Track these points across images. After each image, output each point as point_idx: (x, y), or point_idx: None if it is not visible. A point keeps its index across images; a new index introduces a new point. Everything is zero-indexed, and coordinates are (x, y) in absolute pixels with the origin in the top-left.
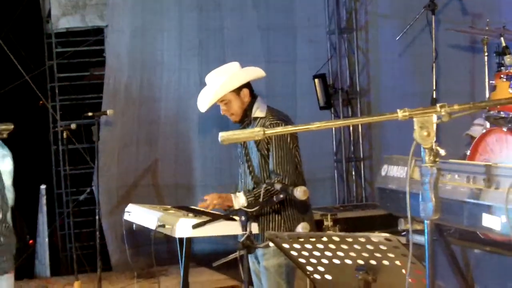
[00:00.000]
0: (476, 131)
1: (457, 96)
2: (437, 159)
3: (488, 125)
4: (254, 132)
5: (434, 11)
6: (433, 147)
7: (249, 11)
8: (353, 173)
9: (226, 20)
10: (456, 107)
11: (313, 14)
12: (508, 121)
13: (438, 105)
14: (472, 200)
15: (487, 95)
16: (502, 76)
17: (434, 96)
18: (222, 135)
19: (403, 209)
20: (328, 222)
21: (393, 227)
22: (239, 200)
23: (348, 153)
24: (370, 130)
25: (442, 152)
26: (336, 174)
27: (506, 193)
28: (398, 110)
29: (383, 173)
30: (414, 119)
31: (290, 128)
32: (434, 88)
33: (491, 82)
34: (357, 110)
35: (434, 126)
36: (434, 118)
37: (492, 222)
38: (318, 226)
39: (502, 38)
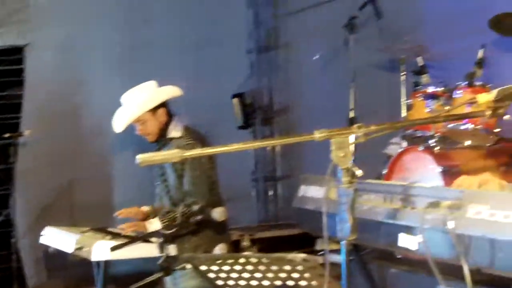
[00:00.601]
0: (393, 149)
1: (374, 115)
2: (354, 180)
3: (404, 143)
4: (172, 154)
5: (353, 30)
6: (350, 167)
7: (173, 28)
8: (271, 192)
9: (150, 37)
10: (373, 127)
11: (234, 32)
12: (424, 140)
13: (355, 125)
14: (388, 220)
15: (404, 114)
16: (418, 95)
17: (352, 116)
18: (140, 158)
19: (321, 229)
20: (245, 243)
21: (311, 247)
22: (154, 226)
23: (267, 172)
24: (289, 149)
25: (359, 172)
26: (254, 193)
27: (423, 213)
28: (315, 131)
29: (300, 194)
30: (331, 140)
31: (208, 150)
32: (352, 107)
33: (408, 101)
34: (276, 129)
35: (351, 146)
36: (352, 138)
37: (409, 242)
38: (235, 246)
39: (419, 58)
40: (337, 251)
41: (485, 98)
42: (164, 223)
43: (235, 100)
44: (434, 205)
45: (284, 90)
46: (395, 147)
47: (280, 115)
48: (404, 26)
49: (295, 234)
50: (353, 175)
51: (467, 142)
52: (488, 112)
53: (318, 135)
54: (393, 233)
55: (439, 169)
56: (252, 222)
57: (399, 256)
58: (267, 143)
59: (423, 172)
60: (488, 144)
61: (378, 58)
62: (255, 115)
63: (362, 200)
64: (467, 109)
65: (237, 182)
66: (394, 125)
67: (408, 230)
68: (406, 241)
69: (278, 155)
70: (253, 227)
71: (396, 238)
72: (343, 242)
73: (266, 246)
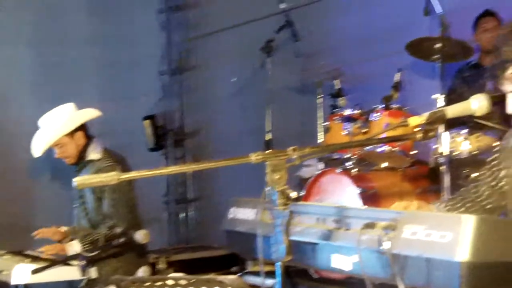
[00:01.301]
0: (306, 172)
1: (291, 137)
2: (288, 202)
3: (321, 165)
4: (108, 177)
5: (270, 53)
6: (285, 189)
7: (88, 49)
8: (183, 214)
9: (66, 57)
10: (307, 150)
11: (147, 54)
12: (341, 162)
13: (290, 148)
14: (322, 241)
15: (321, 137)
16: (336, 118)
17: (269, 138)
18: (77, 180)
19: (252, 251)
20: (162, 265)
21: (226, 269)
22: (74, 248)
23: (178, 194)
24: (200, 171)
25: (294, 194)
26: (166, 216)
27: (359, 234)
28: (251, 154)
29: (230, 216)
30: (267, 163)
31: (143, 173)
32: (269, 129)
33: (325, 123)
34: (188, 151)
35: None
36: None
37: (343, 263)
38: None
39: (336, 80)
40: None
41: (416, 120)
42: (84, 245)
43: (147, 122)
44: (370, 226)
45: (196, 112)
46: (309, 170)
47: (192, 137)
48: (321, 49)
49: (211, 256)
50: (287, 197)
51: (384, 164)
52: (419, 135)
53: (254, 157)
54: (327, 254)
55: (357, 190)
56: (164, 245)
57: (315, 276)
58: (197, 166)
59: (341, 193)
60: (405, 166)
61: (295, 81)
62: (167, 137)
63: (295, 222)
64: (386, 132)
65: (149, 204)
66: (328, 147)
67: (343, 250)
68: (340, 262)
69: (189, 177)
70: (167, 250)
71: (330, 259)
72: (278, 264)
73: (183, 268)
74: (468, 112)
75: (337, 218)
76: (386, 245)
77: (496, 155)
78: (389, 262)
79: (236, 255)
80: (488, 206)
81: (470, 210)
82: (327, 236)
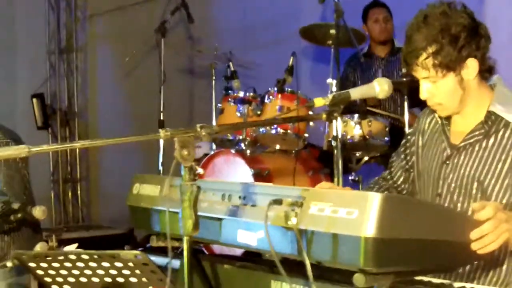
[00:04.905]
0: (197, 152)
1: (185, 118)
2: (196, 177)
3: (211, 146)
4: (19, 149)
5: (164, 34)
6: (193, 165)
7: None
8: (70, 194)
9: None
10: (215, 128)
11: (34, 32)
12: (235, 144)
13: (198, 125)
14: (228, 217)
15: (214, 118)
16: (229, 99)
17: (162, 118)
18: None
19: (156, 227)
20: (52, 243)
21: (118, 248)
22: None
23: (65, 174)
24: (86, 151)
25: (201, 170)
26: (52, 195)
27: (266, 210)
28: (160, 130)
29: (134, 192)
30: (175, 139)
31: (52, 147)
32: (162, 110)
33: (218, 105)
34: (76, 130)
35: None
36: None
37: (248, 238)
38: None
39: (230, 63)
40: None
41: (321, 102)
42: None
43: (35, 101)
44: (277, 202)
45: (85, 92)
46: (200, 151)
47: (80, 117)
48: (215, 32)
49: (104, 235)
50: (195, 173)
51: (277, 146)
52: (324, 116)
53: (163, 134)
54: (232, 230)
55: (250, 171)
56: (50, 224)
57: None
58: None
59: (235, 174)
60: (297, 149)
61: (189, 63)
62: (55, 116)
63: (201, 198)
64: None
65: (36, 183)
66: (234, 125)
67: (248, 226)
68: (245, 237)
69: (76, 157)
70: (58, 228)
71: (235, 235)
72: (185, 238)
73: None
74: (371, 95)
75: (244, 195)
76: (291, 222)
77: (407, 138)
78: (296, 238)
79: (127, 234)
80: (404, 191)
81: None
82: (234, 212)
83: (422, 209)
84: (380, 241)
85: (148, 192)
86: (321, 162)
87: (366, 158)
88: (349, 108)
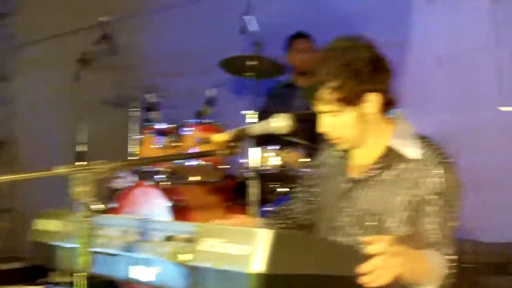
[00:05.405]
0: (119, 183)
1: (105, 150)
2: (92, 213)
3: (135, 178)
4: None
5: (86, 64)
6: (89, 202)
7: None
8: None
9: None
10: (118, 164)
11: None
12: (152, 175)
13: (99, 161)
14: (124, 253)
15: (133, 150)
16: (148, 131)
17: (81, 150)
18: None
19: (55, 262)
20: None
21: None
22: None
23: None
24: (9, 182)
25: (99, 206)
26: None
27: (158, 245)
28: (59, 167)
29: (35, 227)
30: (73, 175)
31: None
32: (81, 142)
33: (138, 136)
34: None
35: (93, 182)
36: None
37: (145, 274)
38: None
39: (150, 94)
40: (69, 284)
41: (220, 137)
42: None
43: None
44: (170, 238)
45: (11, 122)
46: (121, 181)
47: (4, 148)
48: (139, 63)
49: (19, 268)
50: (90, 210)
51: (195, 178)
52: (226, 151)
53: (62, 170)
54: (129, 266)
55: (167, 203)
56: None
57: None
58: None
59: (152, 206)
60: (214, 180)
61: (110, 93)
62: None
63: (98, 234)
64: (198, 147)
65: None
66: (137, 161)
67: (144, 262)
68: (141, 273)
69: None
70: None
71: (132, 270)
72: (80, 274)
73: None
74: (269, 130)
75: (140, 230)
76: (184, 257)
77: (308, 170)
78: (188, 274)
79: (43, 267)
80: (306, 222)
81: (291, 225)
82: (129, 247)
83: (313, 244)
84: (268, 277)
85: (49, 228)
86: (238, 194)
87: (283, 189)
88: (268, 138)
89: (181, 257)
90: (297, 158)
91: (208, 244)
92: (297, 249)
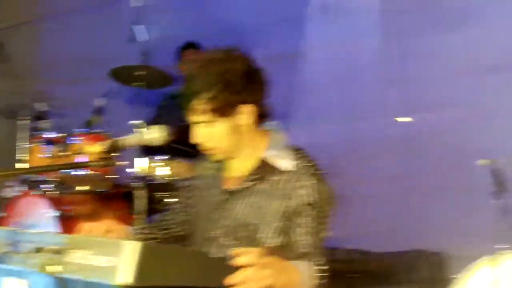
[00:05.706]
0: (8, 192)
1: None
2: None
3: (24, 187)
4: None
5: None
6: None
7: None
8: None
9: None
10: (5, 173)
11: None
12: (39, 184)
13: None
14: None
15: (21, 158)
16: (38, 140)
17: None
18: None
19: None
20: None
21: None
22: None
23: None
24: None
25: None
26: None
27: (27, 257)
28: None
29: None
30: None
31: None
32: None
33: (26, 145)
34: None
35: None
36: None
37: (17, 285)
38: None
39: (40, 103)
40: None
41: (94, 148)
42: None
43: None
44: (39, 250)
45: None
46: (9, 190)
47: None
48: (29, 71)
49: None
50: None
51: (83, 187)
52: (102, 162)
53: None
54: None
55: (54, 213)
56: None
57: None
58: None
59: (39, 216)
60: (102, 189)
61: (6, 102)
62: None
63: None
64: (82, 157)
65: None
66: (25, 170)
67: (15, 273)
68: (13, 285)
69: None
70: None
71: (2, 282)
72: None
73: None
74: (143, 142)
75: (10, 242)
76: (53, 269)
77: (187, 182)
78: (58, 286)
79: None
80: (181, 233)
81: (166, 236)
82: (0, 258)
83: (182, 256)
84: None
85: None
86: (125, 203)
87: (171, 199)
88: (158, 148)
89: (50, 269)
90: (187, 168)
91: (77, 256)
92: (166, 261)
